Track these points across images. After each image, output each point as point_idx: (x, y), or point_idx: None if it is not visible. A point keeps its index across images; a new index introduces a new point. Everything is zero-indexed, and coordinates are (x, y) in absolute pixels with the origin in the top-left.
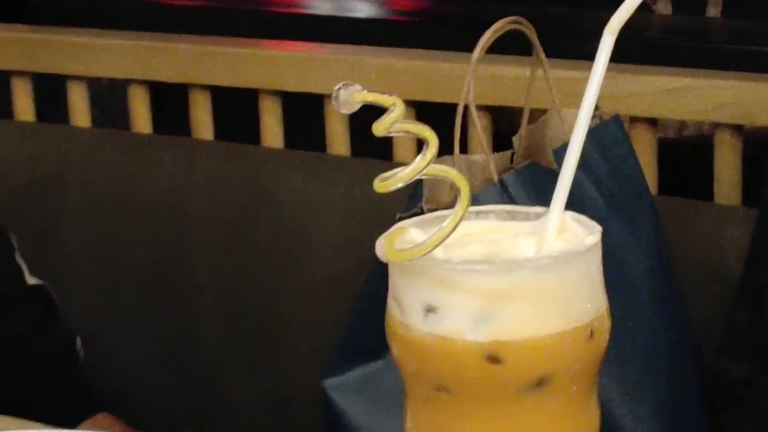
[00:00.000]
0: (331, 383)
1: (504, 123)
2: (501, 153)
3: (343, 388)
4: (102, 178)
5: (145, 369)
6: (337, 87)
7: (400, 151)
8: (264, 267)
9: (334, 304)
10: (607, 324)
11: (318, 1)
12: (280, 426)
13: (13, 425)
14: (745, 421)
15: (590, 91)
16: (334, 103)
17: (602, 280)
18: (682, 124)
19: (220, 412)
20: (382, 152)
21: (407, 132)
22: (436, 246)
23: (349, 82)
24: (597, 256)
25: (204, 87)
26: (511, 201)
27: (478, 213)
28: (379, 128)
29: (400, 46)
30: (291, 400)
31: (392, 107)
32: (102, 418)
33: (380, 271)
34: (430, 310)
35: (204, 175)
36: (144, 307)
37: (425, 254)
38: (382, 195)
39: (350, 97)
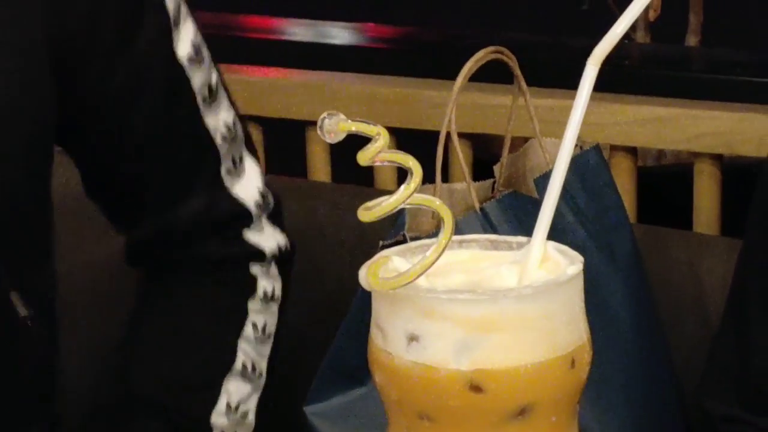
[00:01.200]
0: (312, 409)
1: (485, 150)
2: (482, 182)
3: (324, 415)
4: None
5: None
6: (322, 116)
7: (381, 178)
8: None
9: (315, 330)
10: (588, 354)
11: (298, 28)
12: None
13: None
14: None
15: (573, 123)
16: (319, 132)
17: (584, 310)
18: (661, 153)
19: None
20: (364, 178)
21: (391, 161)
22: (420, 275)
23: (334, 112)
24: (579, 286)
25: None
26: (493, 229)
27: (461, 242)
28: (364, 157)
29: (382, 74)
30: (272, 426)
31: (376, 136)
32: None
33: (363, 298)
34: (413, 338)
35: None
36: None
37: (408, 283)
38: (363, 222)
39: (335, 127)
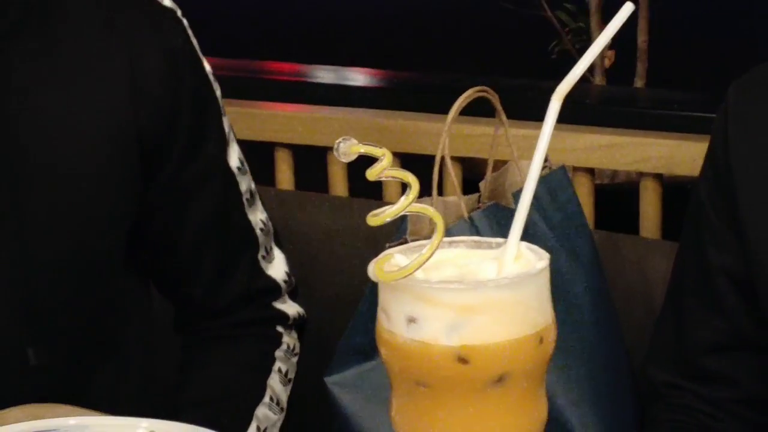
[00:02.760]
0: (331, 380)
1: (472, 171)
2: (470, 196)
3: (341, 384)
4: None
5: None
6: (337, 141)
7: (389, 192)
8: None
9: (334, 316)
10: (554, 333)
11: (321, 72)
12: (292, 414)
13: (73, 413)
14: (666, 414)
15: (540, 147)
16: (335, 153)
17: (550, 297)
18: (615, 173)
19: None
20: (375, 193)
21: (394, 177)
22: (417, 269)
23: (347, 137)
24: (546, 277)
25: None
26: (478, 233)
27: (450, 242)
28: (372, 174)
29: (387, 109)
30: (300, 394)
31: (382, 157)
32: None
33: (372, 289)
34: (411, 320)
35: None
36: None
37: (408, 275)
38: (374, 227)
39: (348, 149)
